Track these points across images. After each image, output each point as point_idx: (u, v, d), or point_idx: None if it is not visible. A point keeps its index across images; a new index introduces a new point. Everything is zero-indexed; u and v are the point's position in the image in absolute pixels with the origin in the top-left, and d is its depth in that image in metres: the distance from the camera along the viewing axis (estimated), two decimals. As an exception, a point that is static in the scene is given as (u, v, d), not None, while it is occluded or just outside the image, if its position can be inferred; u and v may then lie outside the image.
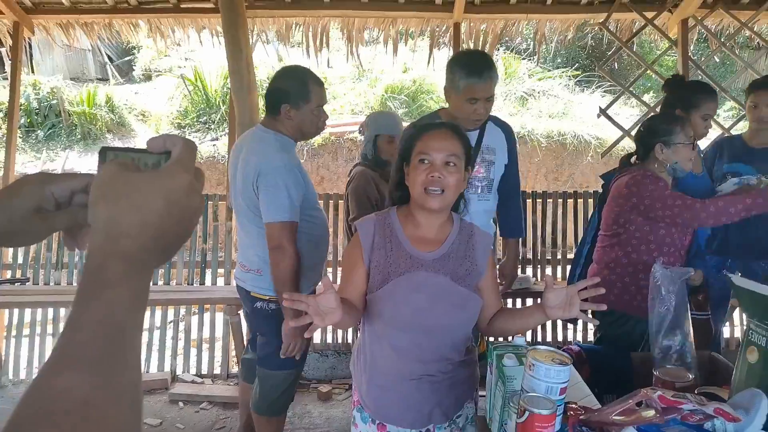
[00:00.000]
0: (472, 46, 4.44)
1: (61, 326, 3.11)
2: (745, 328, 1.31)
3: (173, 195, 0.51)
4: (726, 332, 3.86)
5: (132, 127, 8.11)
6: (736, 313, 3.58)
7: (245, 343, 3.39)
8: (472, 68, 2.24)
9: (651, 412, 1.19)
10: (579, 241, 3.91)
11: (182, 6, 4.08)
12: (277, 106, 2.21)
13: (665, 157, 2.22)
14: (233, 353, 3.71)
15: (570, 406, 1.36)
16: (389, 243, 1.52)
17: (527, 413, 1.11)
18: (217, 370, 3.67)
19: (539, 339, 3.73)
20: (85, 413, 0.38)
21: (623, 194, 2.23)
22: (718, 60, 6.71)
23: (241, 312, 3.18)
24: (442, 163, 1.46)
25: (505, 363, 1.37)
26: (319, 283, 3.14)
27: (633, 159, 2.42)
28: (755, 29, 4.29)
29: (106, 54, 9.83)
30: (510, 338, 1.89)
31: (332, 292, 1.30)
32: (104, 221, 0.48)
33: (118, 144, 7.61)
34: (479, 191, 2.35)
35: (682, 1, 4.06)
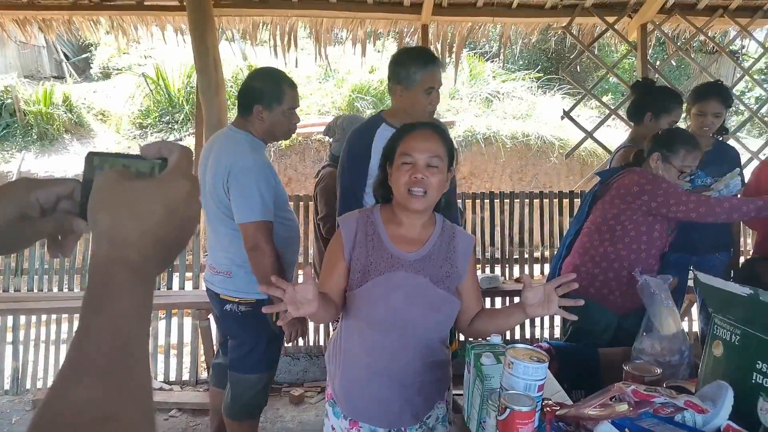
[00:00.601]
0: (439, 47, 4.48)
1: (21, 335, 3.01)
2: (711, 323, 1.37)
3: (173, 202, 0.51)
4: (685, 326, 4.01)
5: (91, 127, 7.86)
6: (694, 308, 3.72)
7: (215, 347, 3.34)
8: (428, 57, 2.27)
9: (624, 406, 1.23)
10: (544, 240, 4.02)
11: (146, 3, 3.98)
12: (250, 106, 2.20)
13: (655, 168, 2.32)
14: (202, 358, 3.64)
15: (546, 402, 1.40)
16: (371, 241, 1.53)
17: (508, 410, 1.14)
18: (185, 377, 3.59)
19: (508, 337, 3.79)
20: (103, 424, 0.38)
21: (633, 192, 2.28)
22: (674, 63, 6.95)
23: (210, 316, 3.13)
24: (424, 164, 1.47)
25: (483, 362, 1.39)
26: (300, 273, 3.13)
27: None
28: (709, 34, 4.46)
29: (62, 51, 9.51)
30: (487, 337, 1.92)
31: (311, 283, 1.29)
32: (107, 229, 0.48)
33: (76, 144, 7.38)
34: None
35: (641, 6, 4.20)
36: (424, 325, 1.54)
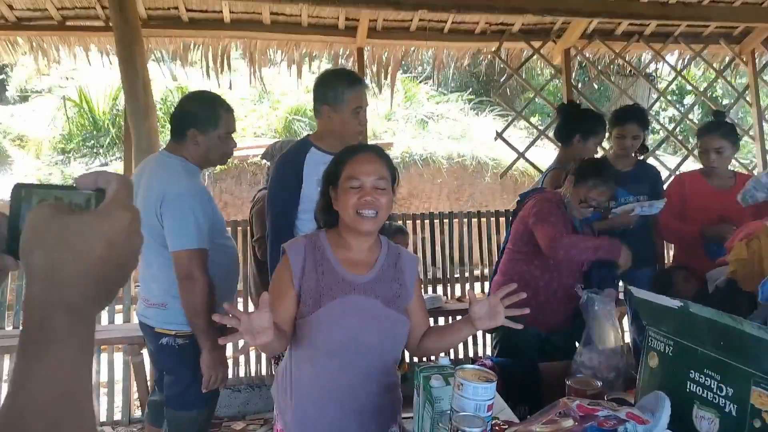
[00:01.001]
0: (374, 70, 4.55)
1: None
2: (645, 335, 1.42)
3: (114, 236, 0.48)
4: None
5: (8, 153, 7.37)
6: (625, 320, 3.88)
7: (149, 384, 3.16)
8: (353, 78, 2.30)
9: (570, 422, 1.25)
10: (483, 258, 4.11)
11: (68, 24, 3.82)
12: (184, 130, 2.12)
13: (565, 189, 2.43)
14: (135, 396, 3.44)
15: (495, 422, 1.41)
16: (320, 266, 1.51)
17: (460, 434, 1.13)
18: (117, 416, 3.37)
19: (452, 356, 3.81)
20: None
21: (528, 214, 2.39)
22: (596, 86, 7.36)
23: (144, 351, 2.96)
24: (371, 187, 1.48)
25: (433, 384, 1.38)
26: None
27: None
28: (627, 59, 4.77)
29: (-26, 73, 8.93)
30: (433, 358, 1.93)
31: (267, 311, 1.25)
32: (43, 270, 0.45)
33: None
34: None
35: (564, 32, 4.44)
36: (379, 347, 1.53)
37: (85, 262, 0.46)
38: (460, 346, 3.93)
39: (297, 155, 2.28)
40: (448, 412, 1.28)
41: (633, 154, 3.14)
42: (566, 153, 2.88)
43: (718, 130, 2.89)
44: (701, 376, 1.26)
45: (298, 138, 7.38)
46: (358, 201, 1.46)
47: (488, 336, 3.98)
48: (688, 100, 10.69)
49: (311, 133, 2.46)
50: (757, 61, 4.88)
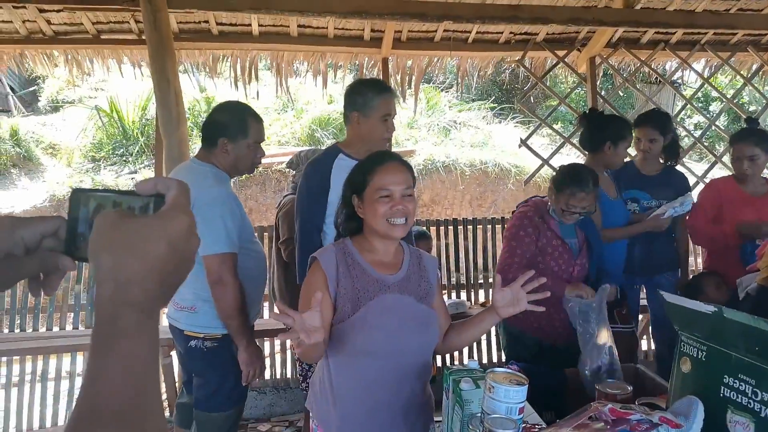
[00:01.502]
0: (399, 79, 4.59)
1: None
2: (678, 340, 1.42)
3: (175, 239, 0.51)
4: (644, 344, 4.13)
5: (41, 161, 7.59)
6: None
7: (178, 386, 3.22)
8: (383, 86, 2.36)
9: (601, 425, 1.26)
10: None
11: (102, 37, 3.94)
12: (215, 139, 2.19)
13: (549, 197, 2.46)
14: (164, 397, 3.51)
15: (525, 425, 1.42)
16: (353, 270, 1.55)
17: (493, 435, 1.15)
18: None
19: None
20: None
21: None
22: (621, 93, 7.30)
23: (173, 353, 3.03)
24: (401, 195, 1.53)
25: (463, 387, 1.40)
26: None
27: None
28: (653, 66, 4.74)
29: (8, 84, 9.22)
30: (464, 361, 1.95)
31: (318, 310, 1.28)
32: (110, 270, 0.48)
33: (24, 179, 7.10)
34: None
35: (589, 41, 4.44)
36: (418, 345, 1.58)
37: (149, 263, 0.49)
38: (485, 351, 3.93)
39: (326, 161, 2.34)
40: (479, 414, 1.30)
41: (660, 160, 3.13)
42: (594, 160, 2.87)
43: (751, 138, 2.86)
44: (735, 381, 1.25)
45: (322, 146, 7.45)
46: (390, 210, 1.51)
47: (494, 343, 3.97)
48: (714, 107, 10.54)
49: (339, 140, 2.52)
50: None
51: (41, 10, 3.64)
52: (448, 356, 3.85)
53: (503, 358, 3.90)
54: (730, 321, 1.25)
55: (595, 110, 3.15)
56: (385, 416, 1.54)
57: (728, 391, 1.27)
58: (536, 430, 1.37)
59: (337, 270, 1.54)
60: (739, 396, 1.24)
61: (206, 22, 3.92)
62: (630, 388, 1.62)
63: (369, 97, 2.28)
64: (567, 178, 2.37)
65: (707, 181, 3.54)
